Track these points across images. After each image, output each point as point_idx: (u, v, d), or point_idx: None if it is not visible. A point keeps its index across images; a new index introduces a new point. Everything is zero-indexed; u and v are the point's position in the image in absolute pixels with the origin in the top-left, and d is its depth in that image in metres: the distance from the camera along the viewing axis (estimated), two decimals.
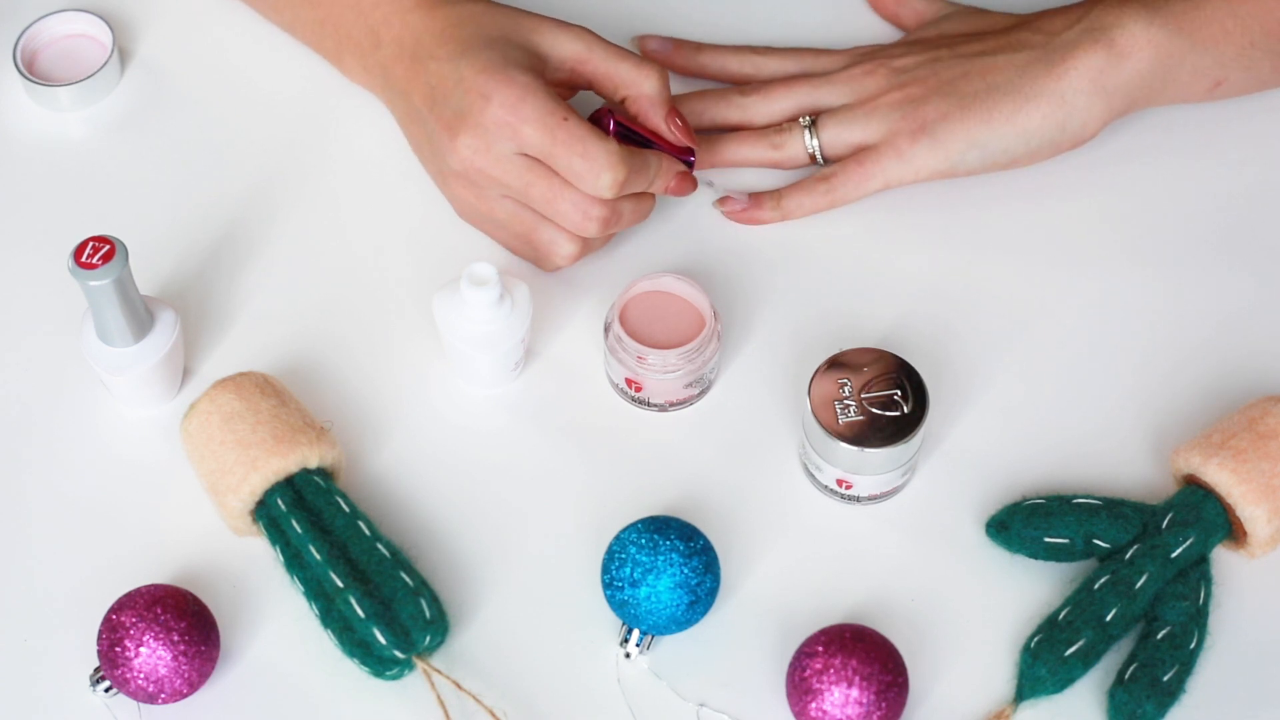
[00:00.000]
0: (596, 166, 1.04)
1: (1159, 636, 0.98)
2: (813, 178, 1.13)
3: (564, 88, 1.10)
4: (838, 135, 1.13)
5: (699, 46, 1.18)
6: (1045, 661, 0.98)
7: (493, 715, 0.98)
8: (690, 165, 1.10)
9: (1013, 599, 1.02)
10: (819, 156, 1.14)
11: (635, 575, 0.98)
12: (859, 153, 1.12)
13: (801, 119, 1.13)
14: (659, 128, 1.09)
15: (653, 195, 1.10)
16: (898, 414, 1.01)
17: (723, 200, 1.14)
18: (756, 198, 1.14)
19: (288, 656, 1.00)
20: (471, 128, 1.04)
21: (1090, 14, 1.11)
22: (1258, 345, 1.10)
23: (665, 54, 1.18)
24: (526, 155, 1.05)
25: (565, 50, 1.08)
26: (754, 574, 1.03)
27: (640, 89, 1.08)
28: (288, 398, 1.04)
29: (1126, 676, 0.98)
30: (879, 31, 1.21)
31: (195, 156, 1.17)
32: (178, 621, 0.96)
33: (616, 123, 1.07)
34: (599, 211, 1.06)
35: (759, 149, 1.14)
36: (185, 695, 0.97)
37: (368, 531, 1.00)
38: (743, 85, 1.16)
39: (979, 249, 1.14)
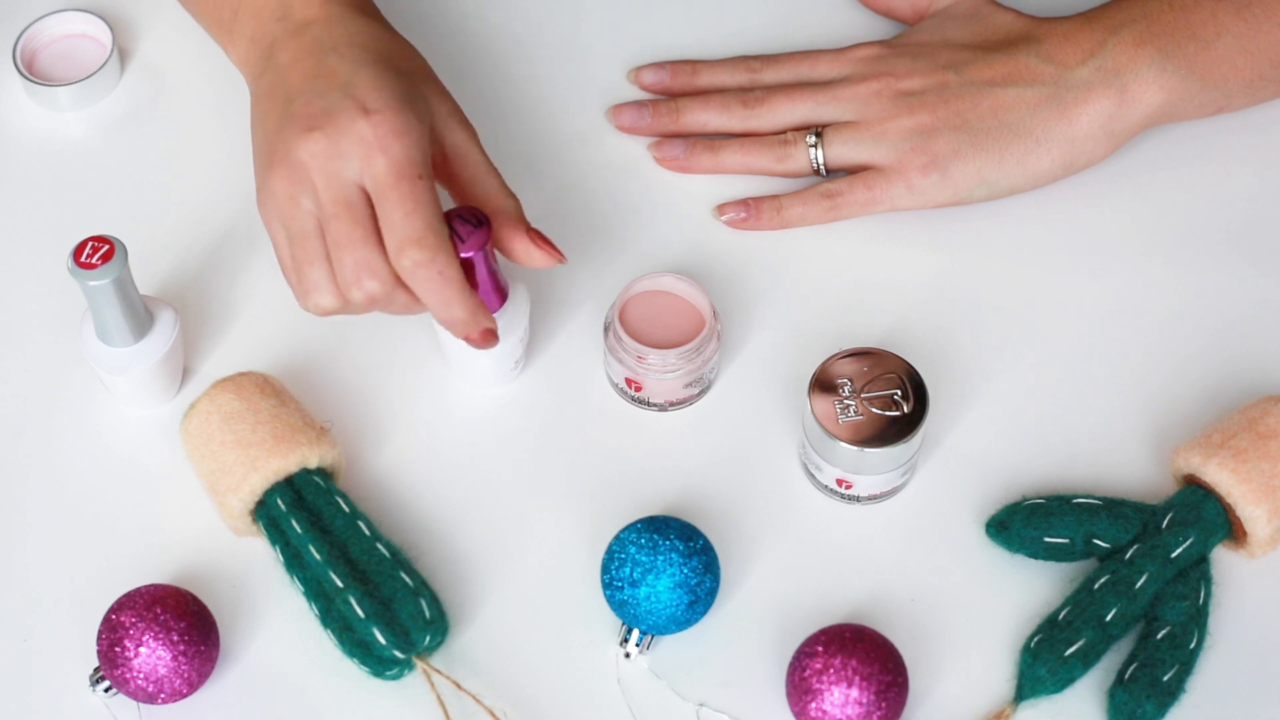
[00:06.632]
0: (413, 228, 0.96)
1: (1159, 636, 0.98)
2: (816, 192, 1.13)
3: None
4: (844, 154, 1.12)
5: (694, 69, 1.18)
6: (1045, 661, 0.98)
7: (493, 715, 0.98)
8: (500, 307, 1.03)
9: (1013, 599, 1.02)
10: (822, 170, 1.14)
11: (635, 575, 0.98)
12: (867, 175, 1.12)
13: (808, 136, 1.13)
14: (516, 242, 1.01)
15: (426, 308, 1.00)
16: (898, 414, 1.01)
17: (721, 209, 1.14)
18: (756, 204, 1.14)
19: (288, 656, 1.00)
20: (331, 131, 0.98)
21: (1104, 49, 1.11)
22: (1258, 345, 1.10)
23: (662, 84, 1.18)
24: (360, 188, 0.98)
25: (453, 136, 1.02)
26: (754, 574, 1.03)
27: (502, 205, 1.02)
28: (287, 398, 1.04)
29: (1126, 676, 0.98)
30: (876, 30, 1.21)
31: (195, 156, 1.17)
32: (177, 621, 0.96)
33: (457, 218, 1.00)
34: (373, 286, 0.98)
35: (764, 160, 1.14)
36: (185, 695, 0.97)
37: (367, 531, 1.00)
38: (744, 94, 1.16)
39: (979, 250, 1.14)
